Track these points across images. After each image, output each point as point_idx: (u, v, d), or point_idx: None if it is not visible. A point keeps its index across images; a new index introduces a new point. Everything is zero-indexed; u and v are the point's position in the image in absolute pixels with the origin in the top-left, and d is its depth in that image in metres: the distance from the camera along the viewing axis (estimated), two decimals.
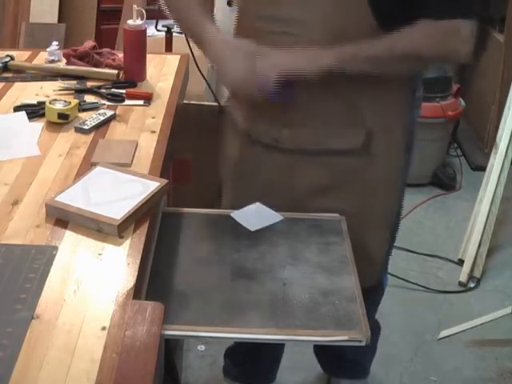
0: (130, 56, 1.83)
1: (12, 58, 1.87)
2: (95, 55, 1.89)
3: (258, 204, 1.51)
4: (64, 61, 1.91)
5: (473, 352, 2.32)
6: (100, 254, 1.15)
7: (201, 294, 1.25)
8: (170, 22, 2.69)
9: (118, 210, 1.22)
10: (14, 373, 0.90)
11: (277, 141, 1.53)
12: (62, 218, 1.23)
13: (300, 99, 1.44)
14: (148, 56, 1.85)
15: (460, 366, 2.26)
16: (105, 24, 3.36)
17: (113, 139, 1.53)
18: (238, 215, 1.47)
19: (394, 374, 2.21)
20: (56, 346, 0.95)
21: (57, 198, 1.26)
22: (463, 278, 2.66)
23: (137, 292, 1.09)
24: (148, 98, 1.72)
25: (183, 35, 2.29)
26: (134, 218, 1.24)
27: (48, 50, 1.94)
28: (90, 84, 1.80)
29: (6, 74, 1.83)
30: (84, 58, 1.90)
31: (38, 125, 1.58)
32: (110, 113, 1.62)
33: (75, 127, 1.56)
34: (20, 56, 1.94)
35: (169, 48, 2.69)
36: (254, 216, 1.47)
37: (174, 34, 2.69)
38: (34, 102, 1.67)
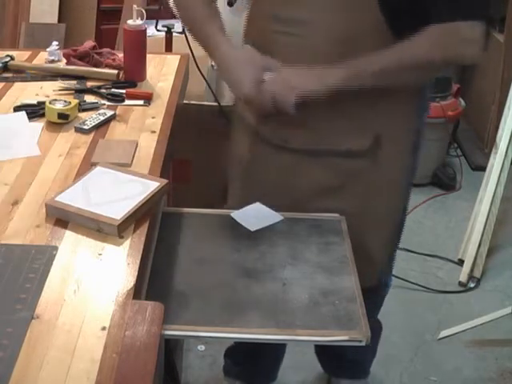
0: (130, 56, 1.83)
1: (12, 58, 1.87)
2: (95, 55, 1.89)
3: (257, 204, 1.50)
4: (64, 61, 1.91)
5: (473, 352, 2.32)
6: (100, 254, 1.15)
7: (201, 294, 1.25)
8: (170, 22, 2.70)
9: (118, 210, 1.22)
10: (14, 373, 0.90)
11: (286, 141, 1.53)
12: (62, 218, 1.23)
13: (308, 110, 1.44)
14: (148, 56, 1.85)
15: (460, 365, 2.26)
16: (105, 24, 3.36)
17: (113, 139, 1.53)
18: (238, 215, 1.47)
19: (394, 374, 2.21)
20: (56, 345, 0.95)
21: (57, 198, 1.26)
22: (463, 278, 2.66)
23: (137, 292, 1.09)
24: (148, 98, 1.72)
25: (183, 35, 2.30)
26: (134, 218, 1.24)
27: (48, 50, 1.94)
28: (90, 84, 1.80)
29: (5, 74, 1.83)
30: (84, 57, 1.90)
31: (38, 125, 1.58)
32: (110, 113, 1.62)
33: (75, 127, 1.56)
34: (20, 56, 1.94)
35: (169, 48, 2.69)
36: (254, 216, 1.47)
37: (173, 34, 2.69)
38: (34, 101, 1.67)
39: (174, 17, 2.58)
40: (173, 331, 1.16)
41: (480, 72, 3.67)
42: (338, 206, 1.52)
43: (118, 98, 1.72)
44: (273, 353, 1.97)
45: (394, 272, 1.83)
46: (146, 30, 1.81)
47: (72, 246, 1.17)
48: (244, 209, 1.49)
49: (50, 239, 1.18)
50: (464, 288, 2.64)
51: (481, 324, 2.42)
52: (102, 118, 1.59)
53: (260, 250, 1.37)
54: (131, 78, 1.82)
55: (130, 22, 1.79)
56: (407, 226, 1.73)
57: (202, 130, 2.30)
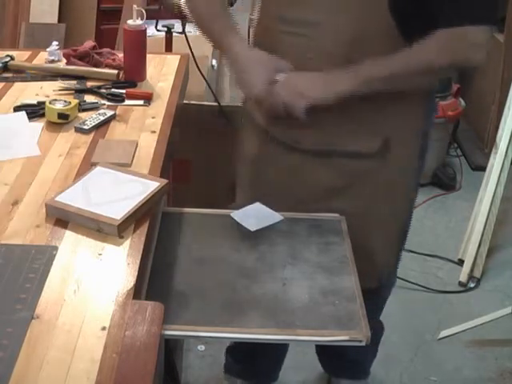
0: (130, 56, 1.83)
1: (12, 58, 1.87)
2: (95, 55, 1.89)
3: (257, 204, 1.51)
4: (64, 61, 1.91)
5: (473, 352, 2.32)
6: (100, 254, 1.15)
7: (201, 294, 1.25)
8: (170, 22, 2.70)
9: (118, 210, 1.22)
10: (13, 373, 0.90)
11: (296, 141, 1.53)
12: (62, 218, 1.23)
13: (318, 114, 1.44)
14: (148, 56, 1.85)
15: (460, 365, 2.26)
16: (105, 24, 3.36)
17: (113, 139, 1.53)
18: (238, 215, 1.47)
19: (394, 374, 2.21)
20: (56, 345, 0.95)
21: (57, 198, 1.26)
22: (463, 278, 2.66)
23: (137, 292, 1.09)
24: (148, 98, 1.72)
25: (183, 35, 2.30)
26: (134, 218, 1.24)
27: (48, 50, 1.94)
28: (90, 84, 1.80)
29: (5, 74, 1.83)
30: (84, 57, 1.90)
31: (38, 125, 1.58)
32: (110, 113, 1.62)
33: (75, 127, 1.56)
34: (20, 56, 1.94)
35: (169, 48, 2.69)
36: (254, 216, 1.47)
37: (173, 34, 2.69)
38: (34, 101, 1.67)
39: (173, 17, 2.59)
40: (173, 331, 1.16)
41: (480, 72, 3.67)
42: (344, 207, 1.52)
43: (117, 98, 1.72)
44: (273, 353, 1.97)
45: None
46: (145, 30, 1.81)
47: (72, 246, 1.17)
48: (244, 209, 1.49)
49: (50, 239, 1.18)
50: (464, 288, 2.64)
51: (481, 324, 2.42)
52: (102, 118, 1.59)
53: (260, 249, 1.37)
54: (131, 78, 1.82)
55: (129, 21, 1.79)
56: None
57: (201, 130, 2.30)
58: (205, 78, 2.39)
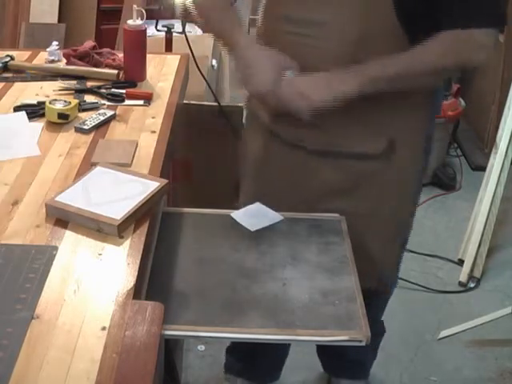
0: (130, 56, 1.83)
1: (12, 58, 1.87)
2: (95, 55, 1.90)
3: (257, 204, 1.51)
4: (64, 61, 1.91)
5: (473, 352, 2.32)
6: (100, 254, 1.15)
7: (201, 293, 1.25)
8: (170, 22, 2.70)
9: (118, 210, 1.22)
10: (13, 373, 0.90)
11: (301, 140, 1.53)
12: (62, 218, 1.23)
13: (323, 115, 1.44)
14: (148, 56, 1.85)
15: (460, 365, 2.26)
16: (105, 24, 3.36)
17: (113, 139, 1.53)
18: (238, 215, 1.47)
19: (394, 374, 2.21)
20: (56, 345, 0.95)
21: (57, 198, 1.26)
22: (463, 278, 2.66)
23: (137, 292, 1.09)
24: (148, 98, 1.72)
25: (183, 35, 2.30)
26: (134, 218, 1.24)
27: (48, 50, 1.94)
28: (90, 84, 1.80)
29: (5, 74, 1.83)
30: (84, 57, 1.90)
31: (38, 125, 1.58)
32: (110, 113, 1.62)
33: (75, 127, 1.56)
34: (20, 56, 1.94)
35: (169, 48, 2.69)
36: (254, 216, 1.47)
37: (173, 34, 2.69)
38: (34, 101, 1.67)
39: (173, 17, 2.59)
40: (173, 331, 1.16)
41: (480, 72, 3.67)
42: (348, 208, 1.52)
43: (118, 98, 1.72)
44: (273, 352, 1.96)
45: None
46: (145, 30, 1.81)
47: (72, 246, 1.17)
48: (244, 209, 1.49)
49: (50, 239, 1.18)
50: (464, 288, 2.64)
51: (481, 324, 2.42)
52: (102, 118, 1.59)
53: (260, 249, 1.37)
54: (131, 78, 1.83)
55: (130, 22, 1.79)
56: None
57: (201, 130, 2.30)
58: (205, 78, 2.38)
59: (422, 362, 2.26)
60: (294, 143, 1.54)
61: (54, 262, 1.12)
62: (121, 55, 1.88)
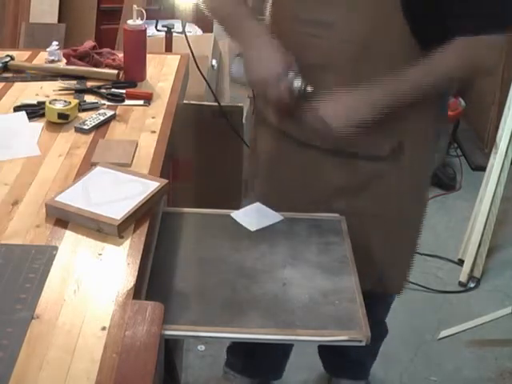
0: (130, 56, 1.83)
1: (12, 58, 1.87)
2: (95, 55, 1.89)
3: (257, 204, 1.51)
4: (64, 61, 1.91)
5: (473, 352, 2.32)
6: (100, 254, 1.15)
7: (201, 294, 1.25)
8: (170, 22, 2.70)
9: (117, 210, 1.22)
10: (13, 373, 0.90)
11: (311, 138, 1.53)
12: (62, 218, 1.23)
13: None
14: (148, 56, 1.85)
15: (460, 365, 2.26)
16: (105, 24, 3.36)
17: (113, 139, 1.53)
18: (238, 215, 1.47)
19: (394, 374, 2.21)
20: (56, 345, 0.95)
21: (57, 198, 1.26)
22: (463, 278, 2.66)
23: (137, 292, 1.09)
24: (148, 98, 1.72)
25: (183, 35, 2.30)
26: (134, 218, 1.24)
27: (48, 50, 1.94)
28: (90, 84, 1.80)
29: (5, 74, 1.83)
30: (84, 57, 1.90)
31: (38, 125, 1.58)
32: (110, 113, 1.62)
33: (75, 127, 1.56)
34: (20, 56, 1.94)
35: (169, 48, 2.69)
36: (254, 216, 1.47)
37: (173, 34, 2.69)
38: (34, 101, 1.67)
39: (173, 17, 2.59)
40: (173, 331, 1.16)
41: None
42: (356, 208, 1.52)
43: (118, 98, 1.72)
44: (274, 352, 1.96)
45: None
46: (145, 30, 1.81)
47: (72, 246, 1.17)
48: (244, 209, 1.49)
49: (50, 239, 1.18)
50: (464, 288, 2.64)
51: (481, 324, 2.42)
52: (102, 118, 1.59)
53: (260, 249, 1.37)
54: (131, 78, 1.82)
55: (130, 22, 1.79)
56: None
57: (201, 130, 2.30)
58: (205, 78, 2.39)
59: (422, 362, 2.27)
60: (306, 142, 1.54)
61: (54, 262, 1.12)
62: (121, 55, 1.88)
